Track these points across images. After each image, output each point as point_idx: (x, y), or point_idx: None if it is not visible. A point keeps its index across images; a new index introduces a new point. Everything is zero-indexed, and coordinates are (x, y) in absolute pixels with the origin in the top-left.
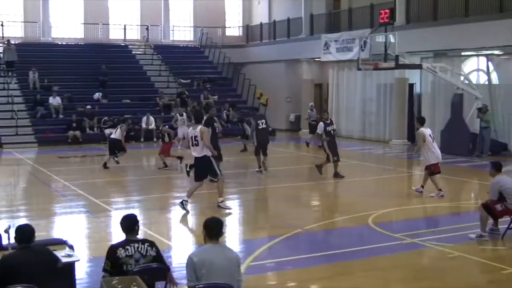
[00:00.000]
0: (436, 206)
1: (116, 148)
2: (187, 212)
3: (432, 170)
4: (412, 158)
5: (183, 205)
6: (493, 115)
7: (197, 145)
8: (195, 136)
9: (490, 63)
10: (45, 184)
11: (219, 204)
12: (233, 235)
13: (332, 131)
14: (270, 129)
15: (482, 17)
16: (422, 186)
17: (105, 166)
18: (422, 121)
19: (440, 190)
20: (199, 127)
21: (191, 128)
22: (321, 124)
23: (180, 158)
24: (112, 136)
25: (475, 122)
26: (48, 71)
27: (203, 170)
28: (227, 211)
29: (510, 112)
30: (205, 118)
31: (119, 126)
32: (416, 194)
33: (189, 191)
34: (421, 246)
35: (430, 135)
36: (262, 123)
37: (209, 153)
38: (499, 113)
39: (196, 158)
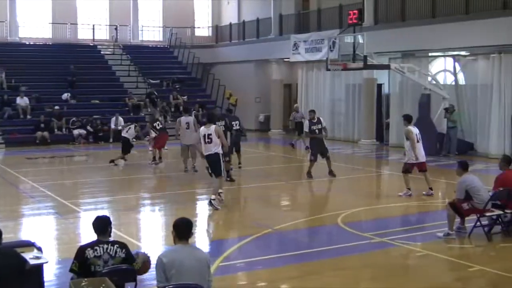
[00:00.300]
0: (404, 206)
1: (129, 146)
2: (218, 209)
3: (407, 169)
4: (381, 157)
5: (211, 204)
6: (460, 115)
7: (210, 142)
8: (209, 134)
9: (456, 64)
10: (13, 186)
11: (211, 200)
12: (203, 235)
13: (316, 130)
14: (241, 131)
15: (449, 18)
16: (409, 189)
17: (112, 161)
18: (409, 119)
19: (409, 189)
20: (213, 126)
21: (203, 128)
22: (306, 122)
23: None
24: (123, 134)
25: (442, 122)
26: (15, 71)
27: (213, 165)
28: (211, 208)
29: (476, 112)
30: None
31: (132, 125)
32: (398, 196)
33: (214, 189)
34: (390, 245)
35: (416, 135)
36: (236, 125)
37: (220, 151)
38: (466, 113)
39: (207, 155)
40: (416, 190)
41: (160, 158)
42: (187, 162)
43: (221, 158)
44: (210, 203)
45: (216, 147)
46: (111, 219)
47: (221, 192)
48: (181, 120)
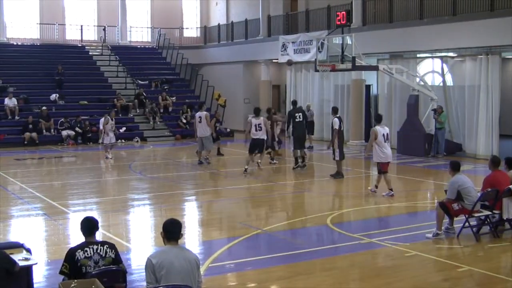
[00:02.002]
0: (393, 206)
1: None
2: (246, 171)
3: (379, 169)
4: (370, 158)
5: (246, 171)
6: (448, 116)
7: (260, 130)
8: (259, 124)
9: (444, 65)
10: (1, 187)
11: (245, 169)
12: (192, 236)
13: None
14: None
15: (436, 19)
16: (391, 189)
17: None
18: (378, 119)
19: (391, 189)
20: (261, 118)
21: (254, 118)
22: (336, 120)
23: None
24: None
25: (430, 123)
26: (3, 72)
27: (256, 147)
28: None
29: (464, 113)
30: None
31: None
32: (371, 194)
33: (246, 161)
34: (379, 246)
35: (383, 135)
36: (299, 117)
37: (265, 137)
38: (454, 114)
39: (255, 138)
40: (382, 190)
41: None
42: (200, 155)
43: (264, 142)
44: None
45: (263, 134)
46: (100, 220)
47: (259, 162)
48: (196, 115)
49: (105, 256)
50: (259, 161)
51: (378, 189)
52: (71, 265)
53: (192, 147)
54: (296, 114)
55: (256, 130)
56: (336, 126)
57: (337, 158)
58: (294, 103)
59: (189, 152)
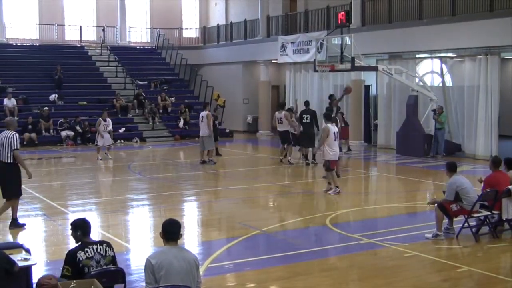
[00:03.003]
0: (392, 207)
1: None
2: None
3: (328, 166)
4: (369, 159)
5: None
6: (447, 116)
7: (281, 123)
8: (280, 118)
9: (444, 66)
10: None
11: (289, 160)
12: (192, 237)
13: None
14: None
15: (435, 20)
16: (337, 187)
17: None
18: (328, 117)
19: (337, 186)
20: (283, 112)
21: (277, 112)
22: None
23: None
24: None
25: (430, 123)
26: (2, 72)
27: (284, 139)
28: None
29: (464, 114)
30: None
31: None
32: (330, 194)
33: (280, 151)
34: (378, 246)
35: (334, 133)
36: (306, 118)
37: (288, 128)
38: (453, 114)
39: (280, 131)
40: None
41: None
42: (202, 154)
43: (289, 133)
44: (289, 162)
45: (284, 127)
46: (99, 220)
47: (289, 159)
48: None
49: (105, 255)
50: (289, 158)
51: (333, 188)
52: (72, 267)
53: (191, 147)
54: (304, 116)
55: (278, 123)
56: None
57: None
58: (306, 103)
59: (188, 153)
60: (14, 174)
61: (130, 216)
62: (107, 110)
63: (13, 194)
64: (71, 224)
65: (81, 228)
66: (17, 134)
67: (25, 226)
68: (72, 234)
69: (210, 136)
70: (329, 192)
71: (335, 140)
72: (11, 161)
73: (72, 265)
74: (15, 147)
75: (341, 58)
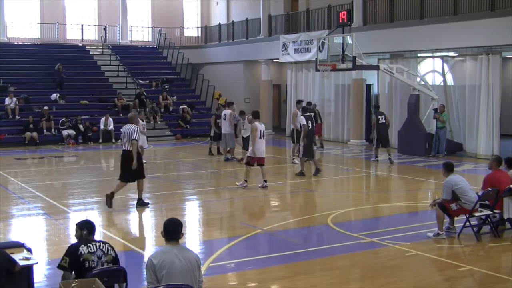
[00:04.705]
0: (393, 206)
1: None
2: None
3: (248, 161)
4: (371, 158)
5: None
6: (448, 115)
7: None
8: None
9: (445, 65)
10: (2, 186)
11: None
12: (193, 236)
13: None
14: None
15: (437, 19)
16: (246, 181)
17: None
18: (257, 116)
19: (246, 181)
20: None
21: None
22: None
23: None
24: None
25: (431, 122)
26: (4, 72)
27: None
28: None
29: (465, 113)
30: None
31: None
32: (240, 187)
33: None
34: (379, 245)
35: (260, 131)
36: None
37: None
38: (454, 113)
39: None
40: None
41: None
42: (225, 152)
43: (294, 133)
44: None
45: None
46: (101, 220)
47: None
48: (222, 113)
49: (107, 253)
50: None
51: (242, 181)
52: (72, 260)
53: (192, 146)
54: (309, 122)
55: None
56: (304, 122)
57: (301, 155)
58: (307, 105)
59: (190, 152)
60: (134, 160)
61: (132, 215)
62: (136, 111)
63: (138, 176)
64: (77, 224)
65: (86, 227)
66: (137, 127)
67: (149, 205)
68: (76, 234)
69: (232, 134)
70: (238, 183)
71: (259, 138)
72: (131, 149)
73: (72, 257)
74: (134, 138)
75: (343, 57)
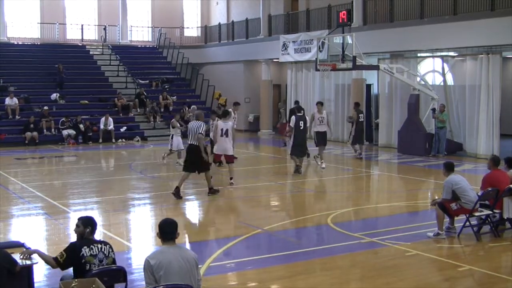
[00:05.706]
0: (393, 206)
1: None
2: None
3: (213, 159)
4: (371, 158)
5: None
6: (448, 115)
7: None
8: (322, 117)
9: (445, 65)
10: (2, 186)
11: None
12: (192, 236)
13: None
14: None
15: (437, 19)
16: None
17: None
18: (224, 114)
19: (231, 178)
20: (324, 111)
21: (316, 112)
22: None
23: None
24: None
25: (431, 122)
26: (4, 71)
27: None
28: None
29: (465, 113)
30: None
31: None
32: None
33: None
34: (379, 245)
35: (222, 129)
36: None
37: (324, 129)
38: (454, 113)
39: (320, 132)
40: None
41: None
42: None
43: (325, 134)
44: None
45: (323, 127)
46: (101, 219)
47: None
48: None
49: (108, 255)
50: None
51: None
52: (69, 258)
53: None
54: (300, 122)
55: (320, 123)
56: (292, 124)
57: (289, 152)
58: (297, 108)
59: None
60: (202, 153)
61: (132, 215)
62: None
63: (205, 168)
64: (81, 219)
65: (91, 225)
66: (204, 124)
67: (219, 192)
68: (78, 229)
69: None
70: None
71: (221, 136)
72: (198, 143)
73: (71, 255)
74: (200, 132)
75: (343, 57)
